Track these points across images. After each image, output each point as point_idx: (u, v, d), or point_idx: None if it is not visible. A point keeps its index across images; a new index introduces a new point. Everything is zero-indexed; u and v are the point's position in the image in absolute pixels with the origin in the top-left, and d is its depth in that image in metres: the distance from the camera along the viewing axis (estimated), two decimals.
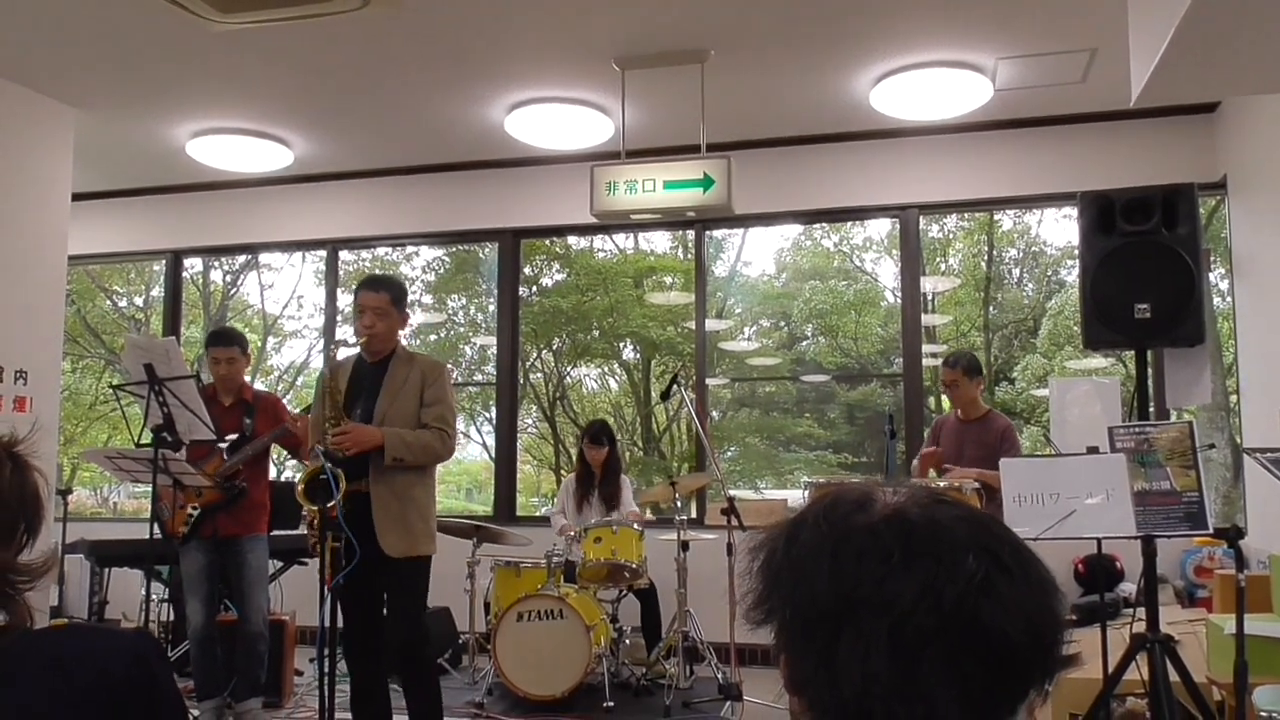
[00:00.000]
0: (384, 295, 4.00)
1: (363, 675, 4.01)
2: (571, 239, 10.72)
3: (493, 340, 7.77)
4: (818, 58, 5.57)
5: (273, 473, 5.53)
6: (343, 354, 4.23)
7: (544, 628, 5.23)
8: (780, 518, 0.87)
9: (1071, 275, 11.06)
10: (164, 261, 8.26)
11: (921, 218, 6.92)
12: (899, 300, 7.00)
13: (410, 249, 11.12)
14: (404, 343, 4.20)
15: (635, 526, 5.66)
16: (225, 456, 4.78)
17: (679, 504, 5.63)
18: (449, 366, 4.29)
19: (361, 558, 3.76)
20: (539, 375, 12.75)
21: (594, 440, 6.27)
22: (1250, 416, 5.92)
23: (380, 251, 10.11)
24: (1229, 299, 6.25)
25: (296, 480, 3.95)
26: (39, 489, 1.30)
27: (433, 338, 12.14)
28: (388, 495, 3.89)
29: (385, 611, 4.07)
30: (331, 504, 3.74)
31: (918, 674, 0.72)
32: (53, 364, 6.13)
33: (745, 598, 0.85)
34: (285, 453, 5.14)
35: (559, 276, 12.35)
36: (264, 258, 12.04)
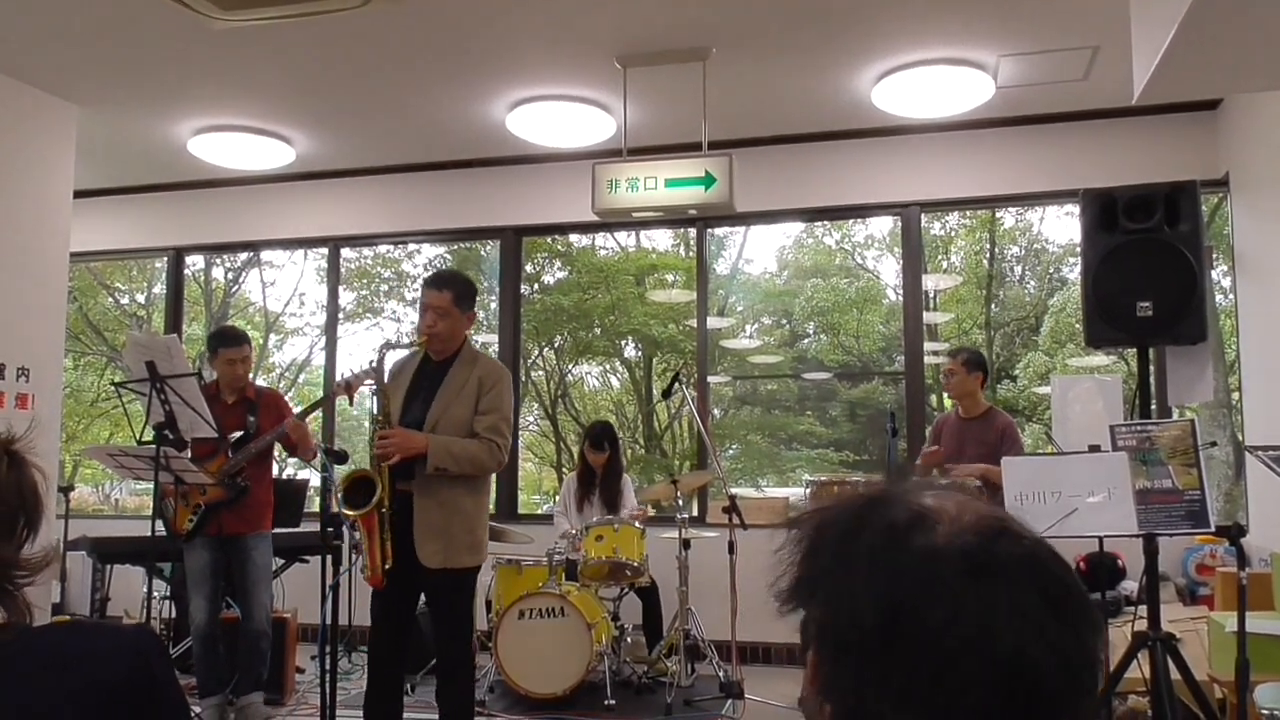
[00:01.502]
0: (446, 294, 3.87)
1: (382, 676, 3.92)
2: (573, 237, 10.73)
3: (494, 338, 7.78)
4: (819, 55, 5.57)
5: (275, 471, 5.52)
6: (402, 352, 4.11)
7: (545, 626, 5.23)
8: (830, 502, 0.82)
9: (1073, 273, 11.05)
10: (166, 258, 8.27)
11: (923, 215, 6.91)
12: (900, 298, 7.00)
13: (412, 246, 11.13)
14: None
15: (637, 525, 5.66)
16: (229, 454, 4.79)
17: (680, 502, 5.62)
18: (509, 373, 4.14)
19: (401, 561, 3.73)
20: (540, 373, 12.76)
21: (594, 444, 6.24)
22: (1252, 414, 5.92)
23: (382, 249, 10.12)
24: (1231, 296, 6.25)
25: (335, 486, 3.90)
26: (37, 485, 1.30)
27: None
28: (430, 504, 3.77)
29: (430, 615, 4.03)
30: (366, 510, 3.71)
31: (953, 713, 0.69)
32: (54, 361, 6.13)
33: (780, 578, 0.81)
34: (287, 453, 5.14)
35: (560, 274, 12.36)
36: (266, 255, 12.05)
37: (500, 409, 3.89)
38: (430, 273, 4.10)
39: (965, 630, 0.69)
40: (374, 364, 3.95)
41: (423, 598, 3.99)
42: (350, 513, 3.73)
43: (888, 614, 0.71)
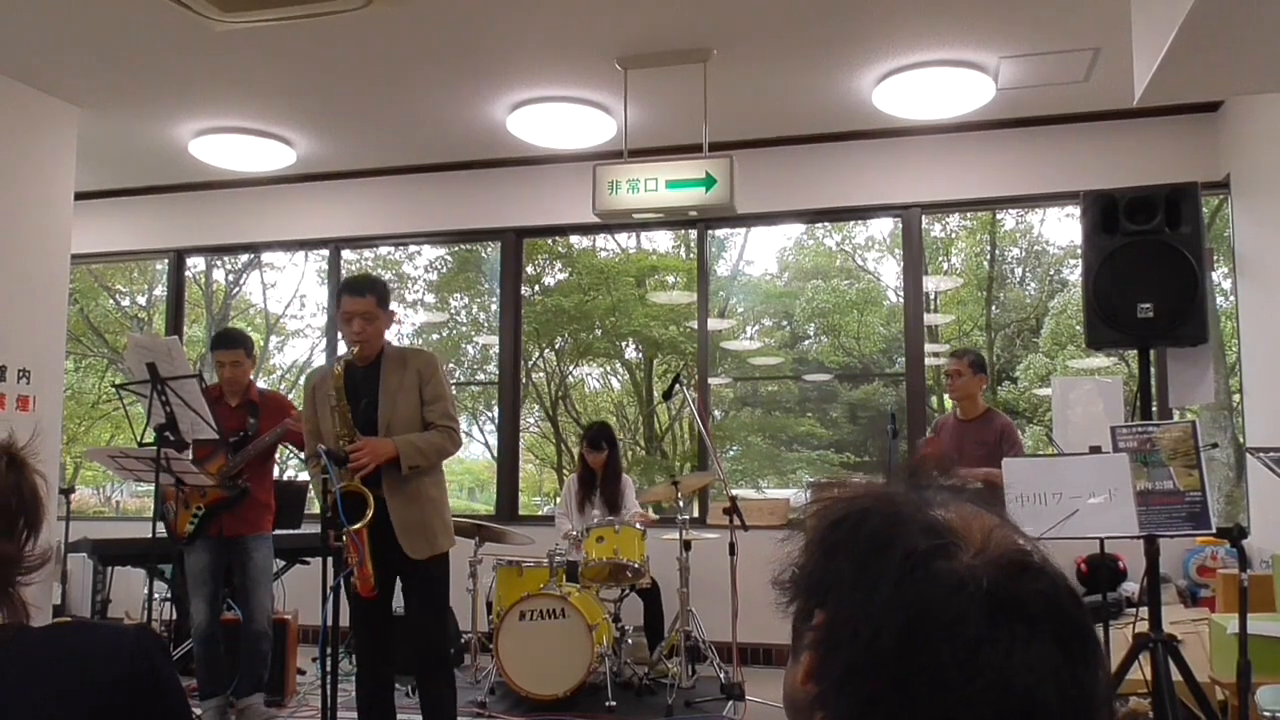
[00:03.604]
0: (369, 298, 3.88)
1: (373, 674, 3.97)
2: (574, 238, 10.72)
3: (495, 339, 7.78)
4: (820, 57, 5.57)
5: (275, 473, 5.51)
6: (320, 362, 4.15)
7: (546, 627, 5.23)
8: (843, 494, 0.80)
9: (1074, 274, 11.04)
10: (167, 260, 8.27)
11: (924, 217, 6.91)
12: (901, 299, 7.00)
13: (413, 248, 11.14)
14: (396, 342, 4.16)
15: (638, 526, 5.66)
16: (229, 456, 4.79)
17: (681, 503, 5.62)
18: (438, 354, 4.21)
19: (381, 562, 3.77)
20: (541, 374, 12.75)
21: (592, 444, 6.25)
22: (1253, 415, 5.91)
23: (383, 251, 10.12)
24: (1232, 298, 6.25)
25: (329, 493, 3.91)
26: (37, 489, 1.31)
27: (435, 337, 12.15)
28: (404, 501, 3.86)
29: (405, 610, 4.06)
30: (363, 524, 3.73)
31: None
32: (56, 363, 6.13)
33: (787, 569, 0.80)
34: (288, 454, 5.14)
35: (561, 276, 12.35)
36: (266, 257, 12.03)
37: (445, 394, 4.01)
38: (344, 280, 4.09)
39: (981, 673, 0.69)
40: (339, 370, 3.95)
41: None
42: (353, 528, 3.74)
43: (907, 644, 0.70)
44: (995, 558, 0.73)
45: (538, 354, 12.32)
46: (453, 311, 12.54)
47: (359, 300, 3.88)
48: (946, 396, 6.18)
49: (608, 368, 13.43)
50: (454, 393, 4.13)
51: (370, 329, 3.90)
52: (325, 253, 7.99)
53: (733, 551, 5.30)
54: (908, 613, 0.71)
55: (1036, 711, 0.69)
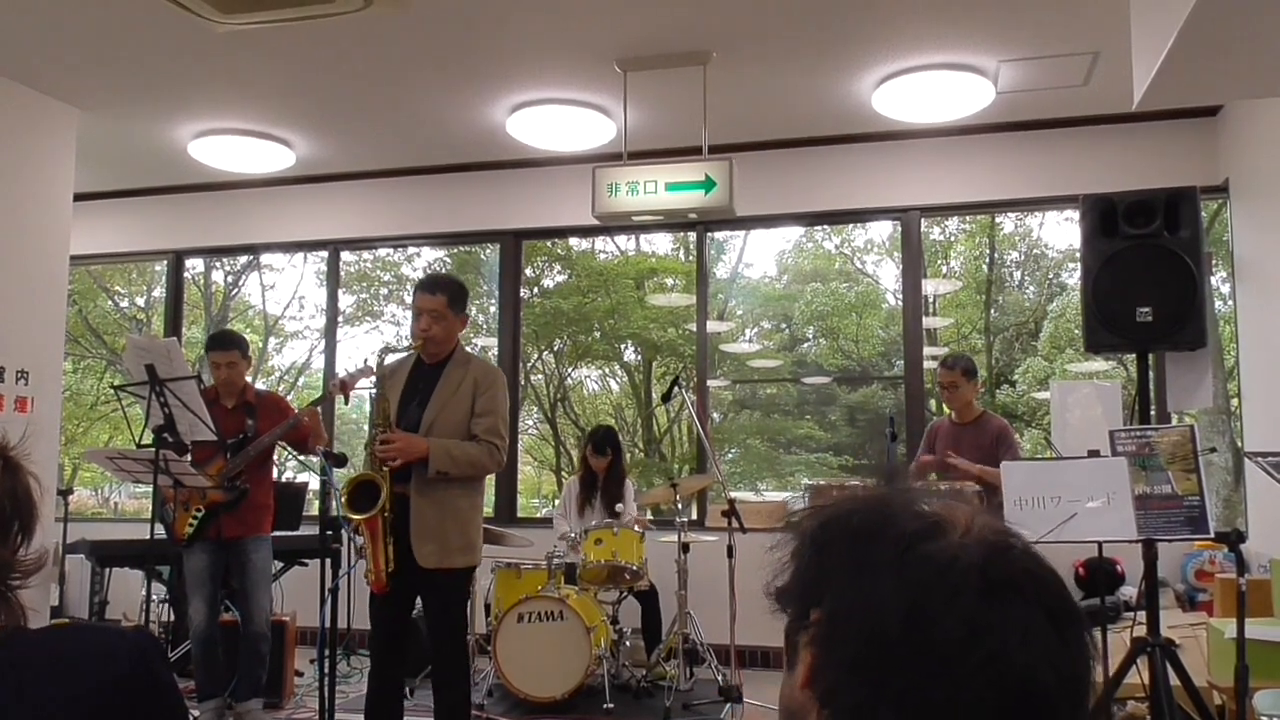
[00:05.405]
0: (440, 297, 3.88)
1: (383, 678, 3.93)
2: (573, 240, 10.73)
3: (494, 341, 7.78)
4: (820, 60, 5.57)
5: (274, 474, 5.51)
6: (396, 356, 4.08)
7: (544, 629, 5.23)
8: (831, 500, 0.81)
9: (1073, 278, 11.05)
10: (165, 262, 8.27)
11: (923, 220, 6.91)
12: (900, 302, 7.00)
13: (412, 250, 11.13)
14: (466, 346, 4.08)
15: (636, 529, 5.66)
16: (228, 458, 4.78)
17: (680, 506, 5.62)
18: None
19: (398, 563, 3.73)
20: (540, 376, 12.76)
21: (597, 449, 6.23)
22: (1251, 420, 5.91)
23: (382, 252, 10.13)
24: (1230, 302, 6.25)
25: (340, 487, 3.88)
26: (31, 490, 1.30)
27: None
28: (426, 505, 3.78)
29: (424, 615, 4.03)
30: (371, 514, 3.71)
31: None
32: (54, 364, 6.13)
33: (778, 576, 0.80)
34: (287, 455, 5.14)
35: (560, 278, 12.37)
36: (265, 258, 12.05)
37: (497, 410, 3.91)
38: (422, 278, 4.07)
39: (980, 650, 0.69)
40: (374, 362, 3.97)
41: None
42: (355, 517, 3.73)
43: (910, 625, 0.70)
44: (980, 539, 0.74)
45: (536, 356, 12.33)
46: None
47: (429, 298, 3.88)
48: (945, 405, 6.17)
49: (606, 370, 13.45)
50: (508, 412, 4.01)
51: (437, 327, 3.87)
52: (324, 254, 7.99)
53: (731, 554, 5.29)
54: (909, 594, 0.71)
55: (1035, 692, 0.70)
